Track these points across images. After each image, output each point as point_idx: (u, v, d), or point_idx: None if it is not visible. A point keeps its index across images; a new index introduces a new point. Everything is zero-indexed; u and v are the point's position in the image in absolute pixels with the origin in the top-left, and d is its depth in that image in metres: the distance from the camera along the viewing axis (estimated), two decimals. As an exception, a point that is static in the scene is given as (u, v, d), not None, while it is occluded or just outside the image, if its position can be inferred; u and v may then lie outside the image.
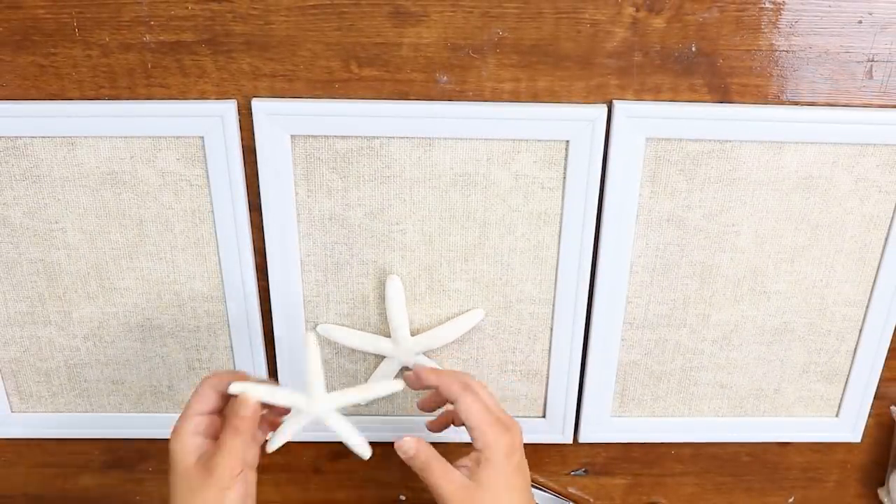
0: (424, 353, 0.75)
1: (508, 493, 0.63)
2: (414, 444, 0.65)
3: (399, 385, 0.64)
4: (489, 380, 0.78)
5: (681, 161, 0.68)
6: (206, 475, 0.61)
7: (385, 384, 0.65)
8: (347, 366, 0.78)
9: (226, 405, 0.63)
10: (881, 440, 0.86)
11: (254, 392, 0.62)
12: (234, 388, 0.62)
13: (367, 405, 0.80)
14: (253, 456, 0.64)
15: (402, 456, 0.65)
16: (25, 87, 0.65)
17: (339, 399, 0.65)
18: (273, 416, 0.66)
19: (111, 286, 0.74)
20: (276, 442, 0.65)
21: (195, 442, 0.62)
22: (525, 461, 0.66)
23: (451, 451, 0.66)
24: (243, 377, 0.63)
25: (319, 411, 0.64)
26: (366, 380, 0.78)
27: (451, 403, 0.65)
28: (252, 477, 0.64)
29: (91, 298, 0.74)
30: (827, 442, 0.85)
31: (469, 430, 0.64)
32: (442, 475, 0.63)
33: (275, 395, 0.63)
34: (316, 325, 0.74)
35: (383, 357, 0.76)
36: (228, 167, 0.68)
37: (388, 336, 0.74)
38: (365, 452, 0.65)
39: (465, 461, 0.64)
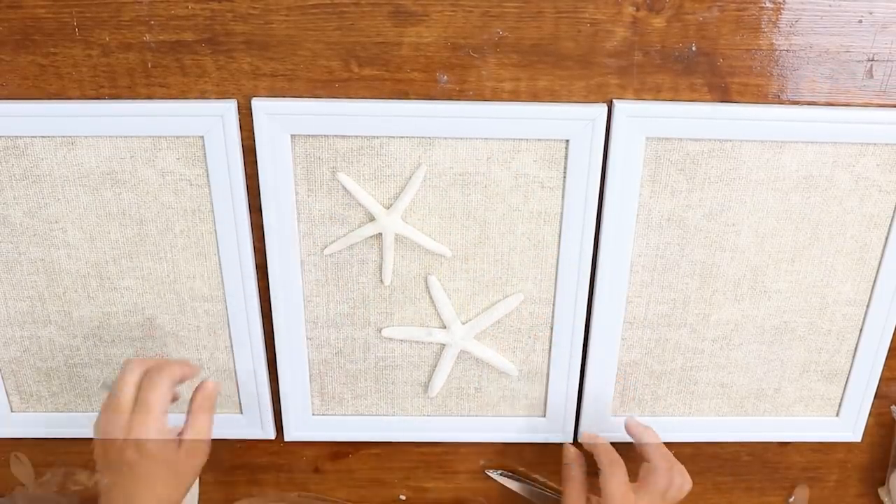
0: (473, 338, 0.76)
1: None
2: (574, 455, 0.77)
3: (519, 298, 0.73)
4: (487, 380, 0.78)
5: (681, 161, 0.68)
6: (190, 456, 0.67)
7: (507, 301, 0.73)
8: (348, 366, 0.78)
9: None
10: (881, 440, 0.86)
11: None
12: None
13: (368, 406, 0.80)
14: None
15: (564, 458, 0.78)
16: (25, 87, 0.65)
17: (474, 326, 0.74)
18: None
19: (111, 286, 0.74)
20: (437, 384, 0.77)
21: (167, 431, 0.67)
22: None
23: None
24: (169, 364, 0.68)
25: (461, 341, 0.74)
26: (366, 380, 0.79)
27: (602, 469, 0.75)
28: None
29: (91, 298, 0.74)
30: (827, 442, 0.85)
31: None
32: (569, 499, 0.75)
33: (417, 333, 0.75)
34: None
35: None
36: (228, 167, 0.68)
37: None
38: (512, 370, 0.76)
39: None
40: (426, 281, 0.73)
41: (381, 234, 0.70)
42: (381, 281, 0.73)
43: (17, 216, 0.70)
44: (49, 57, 0.64)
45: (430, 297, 0.74)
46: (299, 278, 0.73)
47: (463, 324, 0.75)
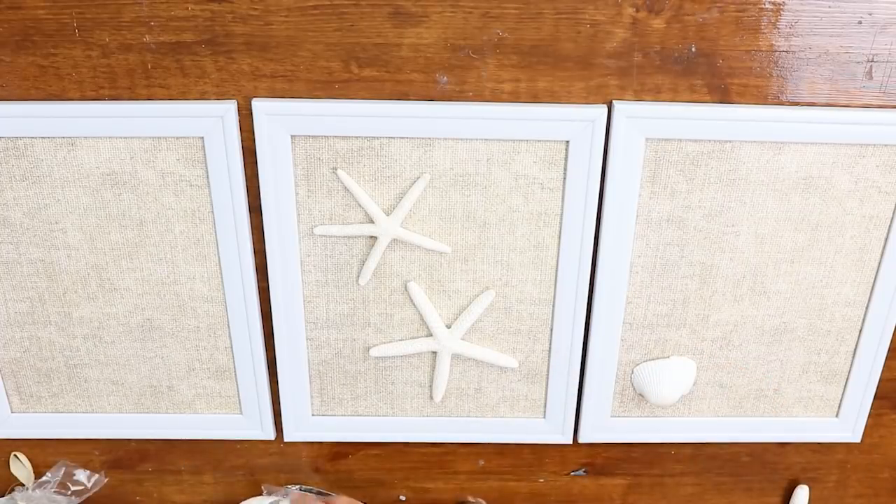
0: (461, 339, 0.76)
1: None
2: None
3: (491, 295, 0.73)
4: (487, 380, 0.78)
5: (681, 161, 0.68)
6: None
7: (481, 298, 0.73)
8: (347, 366, 0.78)
9: None
10: (881, 440, 0.86)
11: None
12: None
13: (368, 407, 0.80)
14: None
15: None
16: (26, 88, 0.65)
17: (458, 329, 0.74)
18: None
19: (111, 286, 0.74)
20: (439, 389, 0.77)
21: None
22: None
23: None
24: None
25: (451, 344, 0.75)
26: (366, 381, 0.79)
27: None
28: None
29: (91, 298, 0.74)
30: (826, 442, 0.85)
31: None
32: None
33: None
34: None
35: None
36: (228, 168, 0.68)
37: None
38: (511, 363, 0.76)
39: None
40: (406, 287, 0.73)
41: (377, 236, 0.70)
42: (358, 281, 0.73)
43: (18, 217, 0.70)
44: (49, 58, 0.64)
45: (414, 305, 0.74)
46: (299, 279, 0.73)
47: (448, 327, 0.75)
